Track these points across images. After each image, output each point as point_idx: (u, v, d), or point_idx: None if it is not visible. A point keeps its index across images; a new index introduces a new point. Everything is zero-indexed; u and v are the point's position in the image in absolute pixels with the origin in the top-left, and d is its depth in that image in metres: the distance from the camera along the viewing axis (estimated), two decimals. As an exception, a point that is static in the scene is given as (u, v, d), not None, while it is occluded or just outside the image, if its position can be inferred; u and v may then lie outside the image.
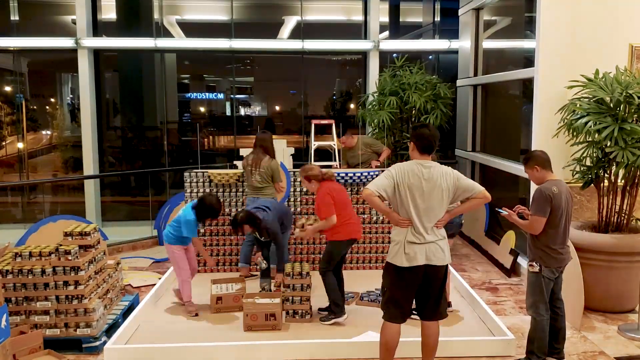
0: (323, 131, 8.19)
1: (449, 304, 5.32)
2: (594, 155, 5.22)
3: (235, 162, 6.89)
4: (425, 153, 3.76)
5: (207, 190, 6.40)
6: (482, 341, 4.55)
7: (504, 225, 7.36)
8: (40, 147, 9.97)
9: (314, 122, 7.25)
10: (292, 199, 6.48)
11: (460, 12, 8.90)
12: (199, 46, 9.62)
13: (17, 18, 9.31)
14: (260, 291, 5.61)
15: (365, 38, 9.46)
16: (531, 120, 6.02)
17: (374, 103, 8.15)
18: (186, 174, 6.46)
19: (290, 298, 5.06)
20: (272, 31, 10.08)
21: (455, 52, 9.20)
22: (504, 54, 8.50)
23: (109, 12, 9.78)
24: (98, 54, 9.29)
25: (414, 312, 4.01)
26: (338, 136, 7.18)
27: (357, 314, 5.22)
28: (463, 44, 8.91)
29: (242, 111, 10.79)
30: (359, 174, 6.41)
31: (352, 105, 10.47)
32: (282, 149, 6.83)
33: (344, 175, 6.34)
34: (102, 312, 4.75)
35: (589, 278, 5.03)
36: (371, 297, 5.52)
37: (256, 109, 10.99)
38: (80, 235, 4.63)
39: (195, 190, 6.43)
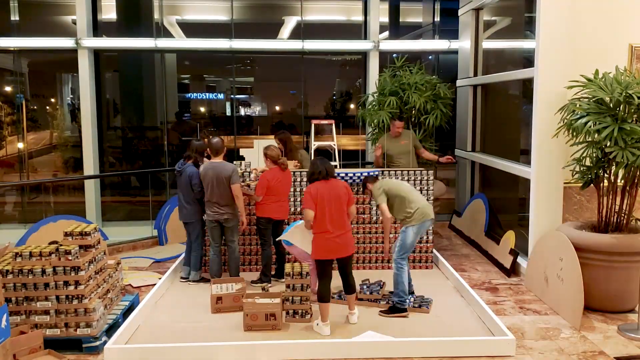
0: (323, 131, 8.19)
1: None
2: (594, 155, 5.22)
3: (235, 162, 6.88)
4: None
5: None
6: (482, 341, 4.56)
7: (504, 225, 7.37)
8: (41, 147, 9.96)
9: (313, 122, 7.25)
10: (292, 198, 6.49)
11: (460, 12, 8.91)
12: (199, 46, 9.61)
13: (17, 18, 9.30)
14: (262, 290, 5.62)
15: (365, 38, 9.45)
16: (531, 120, 6.02)
17: (374, 103, 8.15)
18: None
19: (290, 298, 5.06)
20: (272, 31, 10.07)
21: (455, 52, 9.20)
22: (503, 54, 8.51)
23: (109, 12, 9.78)
24: (98, 54, 9.28)
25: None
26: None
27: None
28: (463, 44, 8.92)
29: (242, 111, 10.79)
30: (359, 174, 6.42)
31: (352, 105, 10.47)
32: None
33: (343, 175, 6.34)
34: (102, 312, 4.76)
35: (588, 278, 5.03)
36: (372, 289, 5.55)
37: (256, 109, 10.98)
38: (81, 235, 4.64)
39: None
